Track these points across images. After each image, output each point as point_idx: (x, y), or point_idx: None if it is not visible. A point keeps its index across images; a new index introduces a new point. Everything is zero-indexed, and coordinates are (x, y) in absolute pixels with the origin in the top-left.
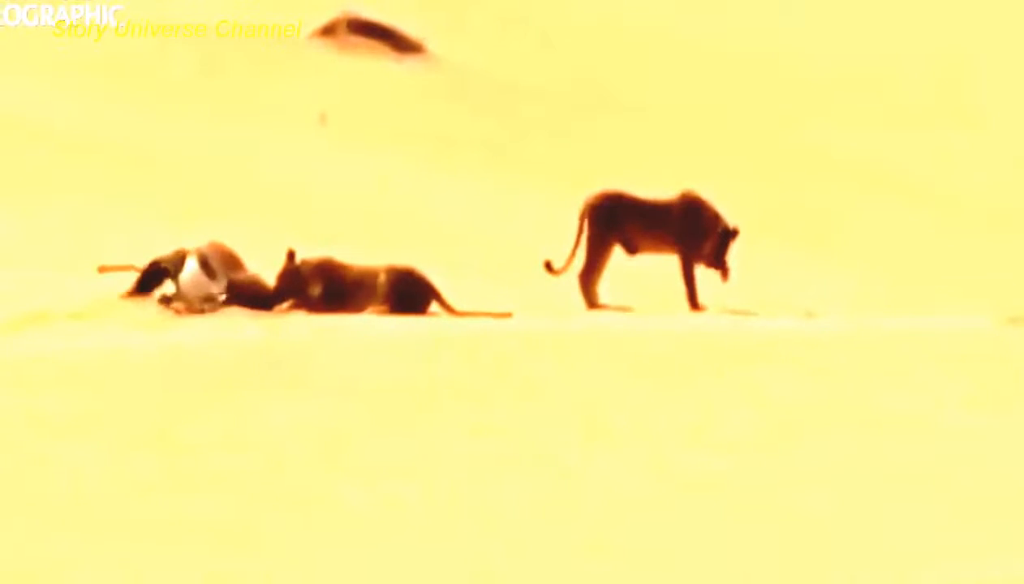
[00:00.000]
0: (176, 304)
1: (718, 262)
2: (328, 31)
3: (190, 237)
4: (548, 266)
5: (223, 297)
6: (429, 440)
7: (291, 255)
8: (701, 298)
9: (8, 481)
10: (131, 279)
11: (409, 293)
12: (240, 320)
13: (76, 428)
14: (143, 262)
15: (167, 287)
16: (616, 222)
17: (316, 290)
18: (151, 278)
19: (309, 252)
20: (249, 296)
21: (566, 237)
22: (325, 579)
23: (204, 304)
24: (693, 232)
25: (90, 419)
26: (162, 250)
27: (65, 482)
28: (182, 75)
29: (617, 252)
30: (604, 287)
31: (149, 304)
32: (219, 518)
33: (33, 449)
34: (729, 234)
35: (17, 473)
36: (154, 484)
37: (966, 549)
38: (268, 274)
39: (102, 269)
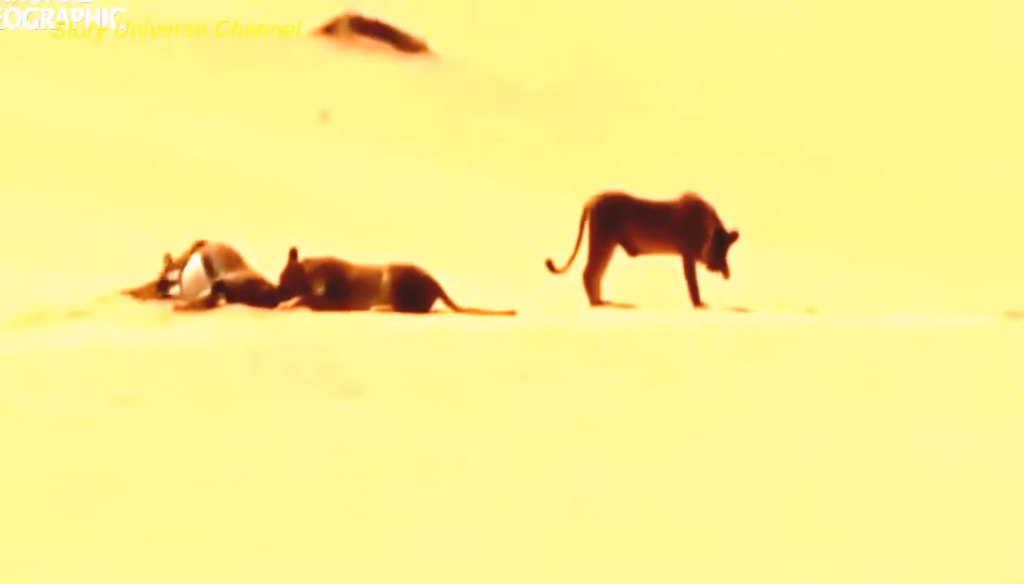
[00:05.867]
0: (177, 301)
1: (717, 263)
2: (329, 30)
3: (190, 236)
4: (549, 265)
5: (206, 293)
6: (430, 438)
7: (293, 253)
8: (703, 296)
9: (9, 479)
10: (137, 278)
11: (413, 291)
12: (243, 319)
13: (76, 426)
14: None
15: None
16: (617, 222)
17: (320, 288)
18: (166, 285)
19: (311, 251)
20: (252, 294)
21: (569, 236)
22: (329, 578)
23: (203, 302)
24: (694, 233)
25: (90, 417)
26: (161, 250)
27: (66, 479)
28: (183, 75)
29: (620, 250)
30: (607, 285)
31: (150, 302)
32: (222, 518)
33: (34, 446)
34: (726, 237)
35: (18, 470)
36: (155, 483)
37: (966, 548)
38: (270, 273)
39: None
